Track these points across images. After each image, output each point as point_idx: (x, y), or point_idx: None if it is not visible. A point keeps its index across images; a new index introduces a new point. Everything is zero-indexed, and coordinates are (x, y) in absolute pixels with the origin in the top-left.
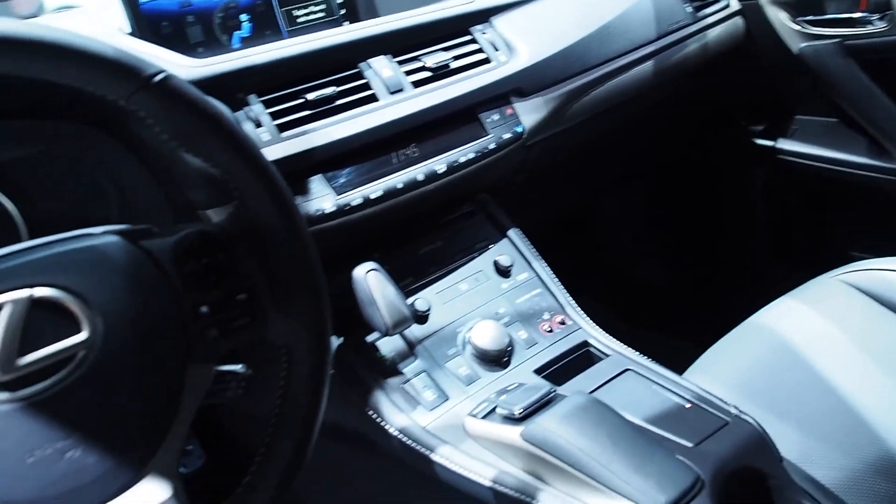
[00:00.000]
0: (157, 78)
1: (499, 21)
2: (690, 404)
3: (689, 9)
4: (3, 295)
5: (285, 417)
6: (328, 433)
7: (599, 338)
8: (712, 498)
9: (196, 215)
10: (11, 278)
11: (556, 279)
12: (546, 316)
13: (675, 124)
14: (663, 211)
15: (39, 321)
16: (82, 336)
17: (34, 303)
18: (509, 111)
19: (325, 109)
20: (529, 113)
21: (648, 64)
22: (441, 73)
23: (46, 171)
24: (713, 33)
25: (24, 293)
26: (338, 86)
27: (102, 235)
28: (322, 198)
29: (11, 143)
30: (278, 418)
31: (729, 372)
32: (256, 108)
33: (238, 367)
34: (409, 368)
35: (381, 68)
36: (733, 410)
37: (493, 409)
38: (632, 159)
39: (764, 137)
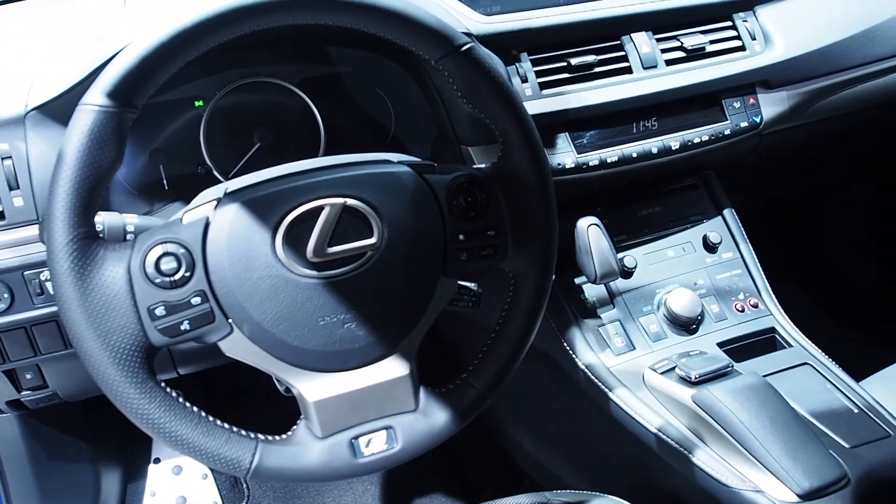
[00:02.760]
0: (464, 48)
1: (762, 11)
2: (858, 410)
3: None
4: (326, 199)
5: (505, 332)
6: (528, 352)
7: (787, 327)
8: (854, 499)
9: (458, 148)
10: (333, 187)
11: (759, 264)
12: (741, 296)
13: None
14: (889, 215)
15: (345, 223)
16: (373, 240)
17: (345, 209)
18: (752, 101)
19: (583, 75)
20: (771, 105)
21: None
22: (695, 54)
23: (348, 88)
24: None
25: (340, 200)
26: (598, 55)
27: (398, 165)
28: (564, 154)
29: (330, 63)
30: (498, 332)
31: None
32: (526, 65)
33: (472, 285)
34: (606, 315)
35: (640, 44)
36: None
37: (672, 369)
38: (866, 159)
39: None
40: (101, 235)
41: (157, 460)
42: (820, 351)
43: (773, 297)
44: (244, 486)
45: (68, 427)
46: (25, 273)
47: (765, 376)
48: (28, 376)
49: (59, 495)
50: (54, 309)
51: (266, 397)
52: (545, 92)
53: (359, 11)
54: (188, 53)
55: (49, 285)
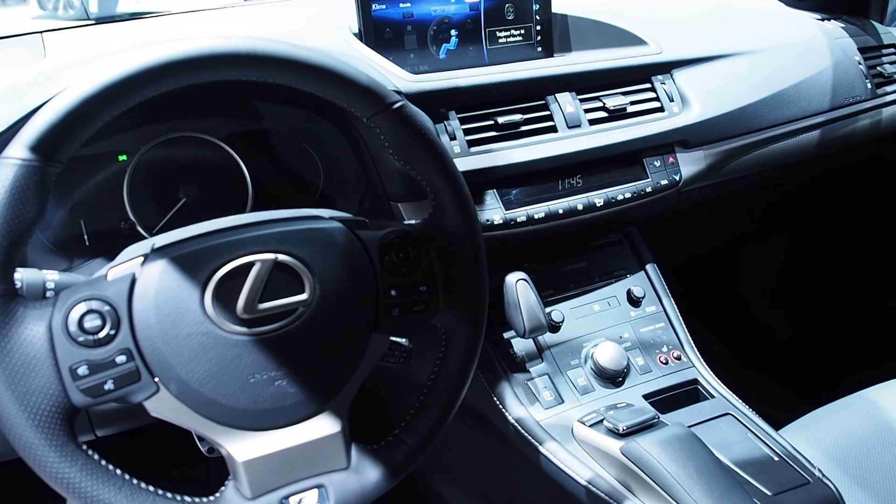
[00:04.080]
0: (396, 105)
1: (679, 74)
2: (779, 458)
3: (870, 84)
4: (256, 255)
5: (437, 387)
6: (458, 407)
7: (709, 379)
8: None
9: (387, 204)
10: (263, 243)
11: (681, 317)
12: (664, 349)
13: (829, 189)
14: (801, 267)
15: (276, 279)
16: (305, 296)
17: (276, 265)
18: (671, 160)
19: (510, 133)
20: (689, 164)
21: (815, 133)
22: (617, 114)
23: (276, 144)
24: (889, 111)
25: (271, 256)
26: (524, 114)
27: (330, 220)
28: (492, 210)
29: (257, 118)
30: (430, 388)
31: (825, 437)
32: (454, 123)
33: (403, 341)
34: (534, 369)
35: (565, 104)
36: (817, 473)
37: (601, 421)
38: (777, 215)
39: None
40: (20, 293)
41: None
42: (740, 401)
43: (695, 349)
44: None
45: None
46: None
47: (689, 427)
48: None
49: None
50: None
51: (192, 456)
52: (473, 149)
53: (290, 68)
54: (116, 108)
55: None
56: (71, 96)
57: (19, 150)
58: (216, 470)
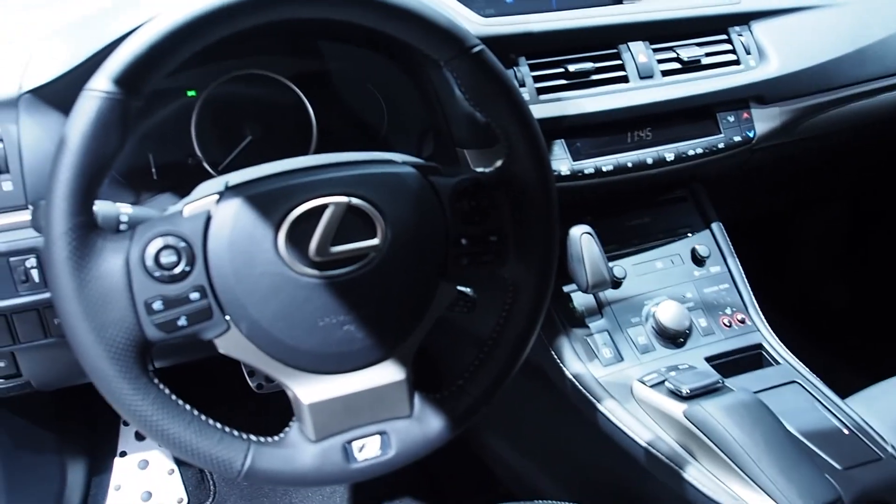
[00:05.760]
0: (475, 50)
1: (757, 26)
2: (848, 431)
3: None
4: (330, 198)
5: (502, 339)
6: None
7: (774, 345)
8: None
9: (454, 150)
10: (337, 186)
11: (746, 279)
12: (728, 311)
13: None
14: (865, 235)
15: (349, 222)
16: (376, 241)
17: (349, 208)
18: (745, 115)
19: (580, 82)
20: (764, 120)
21: None
22: (691, 66)
23: (341, 85)
24: None
25: (344, 199)
26: (595, 62)
27: (402, 165)
28: (560, 161)
29: (325, 58)
30: (495, 339)
31: (891, 410)
32: (524, 69)
33: (468, 291)
34: (594, 325)
35: (637, 53)
36: (890, 448)
37: (662, 382)
38: (847, 179)
39: None
40: (98, 225)
41: (124, 454)
42: (807, 369)
43: (760, 312)
44: (210, 483)
45: (35, 417)
46: (11, 259)
47: (754, 393)
48: (1, 364)
49: (23, 487)
50: (37, 297)
51: (236, 394)
52: (542, 97)
53: (371, 8)
54: (200, 41)
55: (34, 273)
56: (157, 28)
57: (104, 82)
58: (281, 411)
